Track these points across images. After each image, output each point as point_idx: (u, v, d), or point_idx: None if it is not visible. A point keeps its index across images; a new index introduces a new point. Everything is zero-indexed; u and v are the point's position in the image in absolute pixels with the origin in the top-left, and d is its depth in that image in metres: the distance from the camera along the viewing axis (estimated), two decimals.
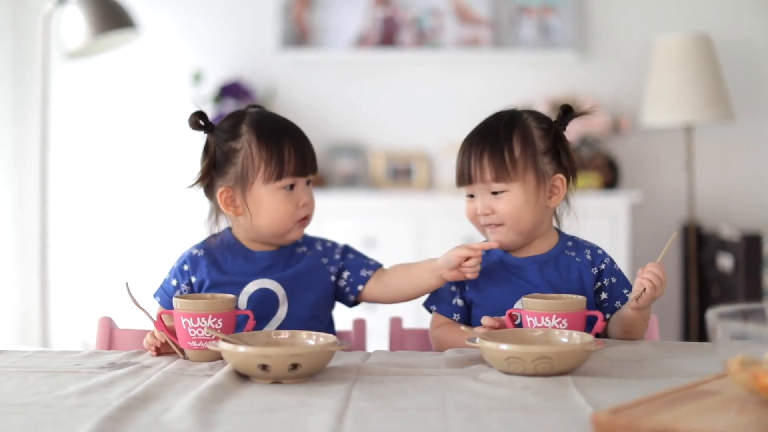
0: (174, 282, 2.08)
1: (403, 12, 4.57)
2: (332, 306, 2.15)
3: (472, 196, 2.05)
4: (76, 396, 1.51)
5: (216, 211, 2.12)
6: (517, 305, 1.98)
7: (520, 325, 1.91)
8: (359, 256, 2.16)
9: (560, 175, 2.06)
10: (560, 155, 2.06)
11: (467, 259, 1.97)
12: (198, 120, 2.07)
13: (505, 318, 1.93)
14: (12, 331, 4.54)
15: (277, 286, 2.05)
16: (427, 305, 2.12)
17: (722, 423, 1.25)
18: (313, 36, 4.59)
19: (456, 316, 2.07)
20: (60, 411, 1.42)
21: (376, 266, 2.14)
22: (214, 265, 2.06)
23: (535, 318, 1.86)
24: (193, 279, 2.06)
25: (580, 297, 1.91)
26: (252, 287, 2.05)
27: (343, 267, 2.12)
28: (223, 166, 2.06)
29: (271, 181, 2.02)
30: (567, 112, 2.09)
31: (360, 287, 2.11)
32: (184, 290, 2.06)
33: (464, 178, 2.04)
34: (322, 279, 2.10)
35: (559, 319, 1.85)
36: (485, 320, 1.93)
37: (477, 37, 4.54)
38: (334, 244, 2.16)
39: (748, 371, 1.34)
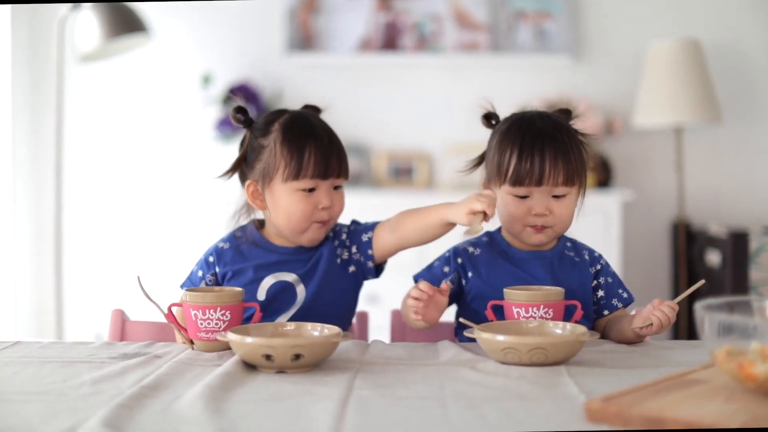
0: (200, 273, 2.07)
1: (404, 17, 4.56)
2: (351, 290, 2.10)
3: (524, 197, 1.99)
4: (89, 385, 1.51)
5: (247, 204, 2.11)
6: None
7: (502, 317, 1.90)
8: (358, 226, 2.11)
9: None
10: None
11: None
12: (237, 114, 2.06)
13: (487, 312, 1.92)
14: (28, 323, 4.54)
15: (293, 278, 2.03)
16: (416, 278, 2.09)
17: (709, 410, 1.25)
18: (318, 40, 4.58)
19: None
20: (74, 399, 1.43)
21: (374, 225, 2.09)
22: (239, 256, 2.06)
23: (523, 309, 1.86)
24: (218, 270, 2.05)
25: (559, 288, 1.91)
26: (270, 280, 2.03)
27: (350, 243, 2.08)
28: (252, 161, 2.05)
29: (290, 180, 2.00)
30: (568, 115, 2.09)
31: (370, 251, 2.07)
32: (209, 281, 2.05)
33: (533, 178, 1.96)
34: (333, 265, 2.06)
35: (546, 309, 1.85)
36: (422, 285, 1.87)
37: (476, 41, 4.54)
38: (341, 226, 2.13)
39: (734, 361, 1.34)
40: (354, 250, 2.08)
